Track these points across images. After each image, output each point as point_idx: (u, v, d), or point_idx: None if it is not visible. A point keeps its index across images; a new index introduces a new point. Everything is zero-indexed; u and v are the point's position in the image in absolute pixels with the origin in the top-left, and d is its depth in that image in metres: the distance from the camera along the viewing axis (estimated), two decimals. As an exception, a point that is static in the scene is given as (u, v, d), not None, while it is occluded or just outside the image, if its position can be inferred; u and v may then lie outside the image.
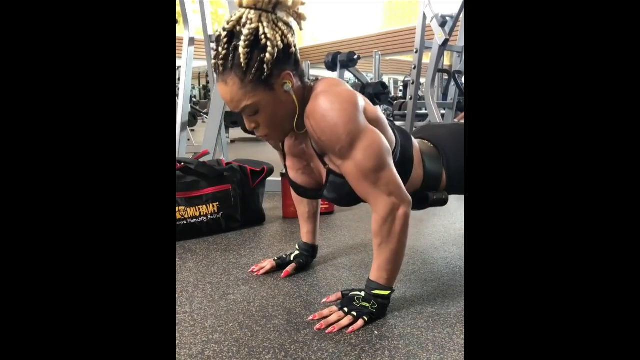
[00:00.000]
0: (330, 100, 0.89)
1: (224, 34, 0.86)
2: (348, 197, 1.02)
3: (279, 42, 0.86)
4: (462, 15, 3.26)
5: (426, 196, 1.15)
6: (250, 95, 0.88)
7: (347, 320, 0.96)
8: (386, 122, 1.03)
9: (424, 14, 2.95)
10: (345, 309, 0.98)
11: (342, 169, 0.95)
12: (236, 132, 6.34)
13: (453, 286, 1.19)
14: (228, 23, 0.86)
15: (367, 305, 0.98)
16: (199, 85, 11.23)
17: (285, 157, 1.14)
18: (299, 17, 0.90)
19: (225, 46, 0.86)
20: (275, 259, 1.30)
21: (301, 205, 1.31)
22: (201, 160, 1.69)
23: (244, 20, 0.85)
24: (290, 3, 0.88)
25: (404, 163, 1.06)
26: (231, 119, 5.21)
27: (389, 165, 0.94)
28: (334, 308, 1.00)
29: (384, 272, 0.99)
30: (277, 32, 0.86)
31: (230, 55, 0.86)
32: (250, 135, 6.13)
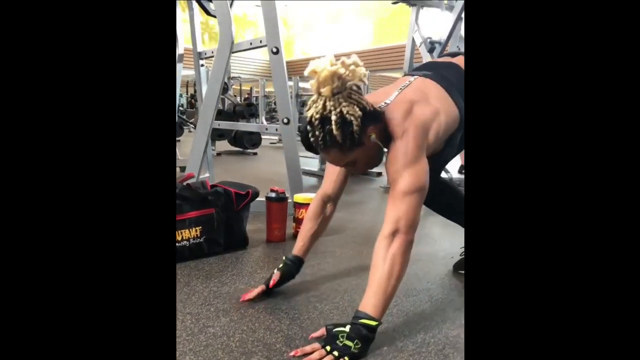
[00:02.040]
0: (403, 134, 1.10)
1: (316, 122, 1.05)
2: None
3: (359, 113, 1.05)
4: (450, 40, 3.33)
5: None
6: (348, 156, 1.10)
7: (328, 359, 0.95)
8: (445, 107, 1.19)
9: (413, 38, 2.99)
10: (328, 348, 0.98)
11: (392, 187, 1.13)
12: (222, 145, 6.32)
13: (435, 320, 1.19)
14: (317, 112, 1.04)
15: (351, 344, 0.98)
16: (187, 93, 11.24)
17: None
18: (363, 79, 1.08)
19: (320, 129, 1.05)
20: (264, 283, 1.32)
21: (311, 222, 1.38)
22: (185, 182, 1.68)
23: (328, 107, 1.03)
24: (355, 77, 1.05)
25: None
26: (217, 132, 5.19)
27: (417, 199, 1.08)
28: (317, 345, 0.99)
29: (374, 299, 1.02)
30: (354, 105, 1.05)
31: (327, 137, 1.05)
32: (236, 148, 6.11)
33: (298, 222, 1.91)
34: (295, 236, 1.91)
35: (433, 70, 1.31)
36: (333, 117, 1.03)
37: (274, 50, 2.19)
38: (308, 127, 1.07)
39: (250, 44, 2.38)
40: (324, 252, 1.77)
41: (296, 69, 14.54)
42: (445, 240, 2.02)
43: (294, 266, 1.35)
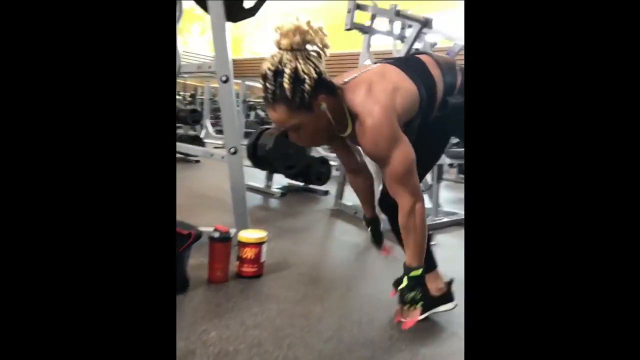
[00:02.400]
0: (371, 115, 1.17)
1: (269, 73, 1.11)
2: None
3: (314, 74, 1.11)
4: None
5: (446, 101, 1.39)
6: (295, 116, 1.14)
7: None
8: (404, 85, 1.26)
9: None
10: (405, 306, 1.34)
11: (382, 169, 1.24)
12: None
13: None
14: (272, 65, 1.10)
15: (414, 293, 1.31)
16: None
17: (343, 150, 1.50)
18: (324, 47, 1.14)
19: (273, 83, 1.11)
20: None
21: (358, 192, 1.61)
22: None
23: (284, 61, 1.09)
24: (317, 39, 1.11)
25: (429, 96, 1.33)
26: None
27: (413, 171, 1.23)
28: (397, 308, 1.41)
29: (416, 255, 1.30)
30: (310, 66, 1.11)
31: (278, 90, 1.11)
32: (186, 157, 5.88)
33: (242, 261, 1.86)
34: (239, 275, 1.86)
35: (394, 60, 1.41)
36: (287, 71, 1.08)
37: (223, 79, 2.12)
38: (261, 80, 1.13)
39: (198, 67, 2.29)
40: (268, 296, 1.73)
41: (244, 69, 14.25)
42: (388, 280, 2.05)
43: (375, 225, 1.63)
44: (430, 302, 1.57)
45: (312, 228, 2.89)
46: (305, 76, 1.09)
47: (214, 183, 4.17)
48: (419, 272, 1.31)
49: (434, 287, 1.60)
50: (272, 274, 1.95)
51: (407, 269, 1.32)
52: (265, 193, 3.85)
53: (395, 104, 1.20)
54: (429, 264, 1.58)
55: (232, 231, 1.88)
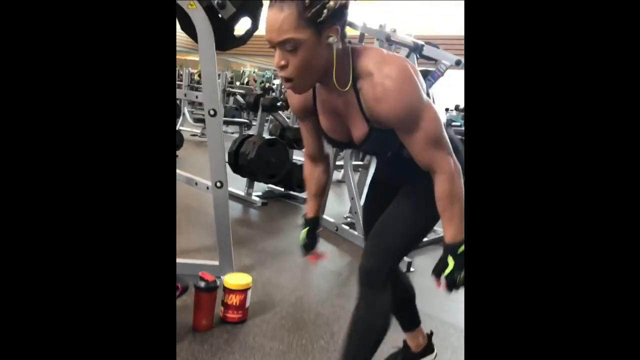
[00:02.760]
0: (396, 75, 1.01)
1: None
2: (391, 147, 1.18)
3: (339, 1, 0.95)
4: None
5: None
6: (299, 30, 0.93)
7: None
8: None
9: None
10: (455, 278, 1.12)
11: (410, 138, 1.07)
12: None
13: None
14: None
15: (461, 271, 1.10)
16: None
17: (311, 113, 1.22)
18: None
19: None
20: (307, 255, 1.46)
21: (311, 183, 1.40)
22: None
23: None
24: None
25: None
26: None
27: (444, 132, 1.10)
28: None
29: (460, 229, 1.10)
30: None
31: None
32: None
33: (227, 307, 1.85)
34: (223, 320, 1.86)
35: None
36: None
37: (212, 113, 2.06)
38: None
39: (185, 95, 2.22)
40: (253, 348, 1.73)
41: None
42: None
43: (313, 228, 1.43)
44: (411, 359, 1.60)
45: (293, 251, 2.88)
46: None
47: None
48: (463, 247, 1.10)
49: (415, 344, 1.60)
50: (256, 318, 1.95)
51: (453, 247, 1.11)
52: (246, 201, 3.82)
53: (416, 71, 1.06)
54: (412, 320, 1.59)
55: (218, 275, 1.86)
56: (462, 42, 0.82)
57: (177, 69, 7.44)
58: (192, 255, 2.39)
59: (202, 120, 7.76)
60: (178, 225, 2.66)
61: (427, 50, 2.91)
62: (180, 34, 2.11)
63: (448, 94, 6.41)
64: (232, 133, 7.22)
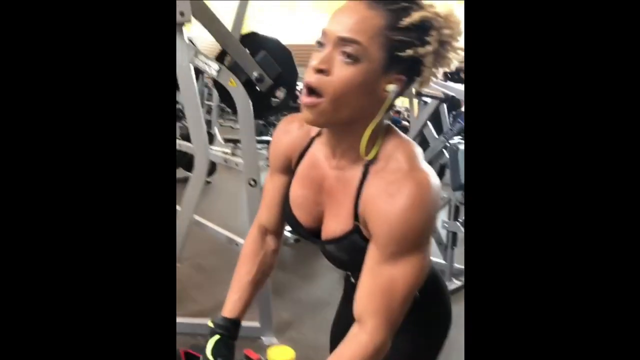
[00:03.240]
0: (420, 182, 0.73)
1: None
2: (356, 266, 0.80)
3: (431, 51, 0.71)
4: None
5: None
6: (373, 42, 0.69)
7: None
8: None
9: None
10: None
11: (376, 263, 0.76)
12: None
13: None
14: (428, 12, 0.71)
15: None
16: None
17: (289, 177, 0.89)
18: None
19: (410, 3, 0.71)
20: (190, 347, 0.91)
21: (247, 264, 0.95)
22: None
23: (440, 12, 0.71)
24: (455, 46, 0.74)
25: None
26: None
27: (410, 300, 0.78)
28: None
29: None
30: (445, 50, 0.73)
31: (401, 3, 0.70)
32: (188, 174, 5.78)
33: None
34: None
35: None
36: (432, 10, 0.71)
37: (252, 183, 2.11)
38: None
39: (225, 161, 2.29)
40: None
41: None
42: None
43: (230, 337, 0.89)
44: None
45: (330, 302, 2.89)
46: (432, 40, 0.71)
47: (230, 217, 3.78)
48: None
49: None
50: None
51: None
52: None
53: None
54: None
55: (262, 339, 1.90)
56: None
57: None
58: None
59: (232, 141, 7.92)
60: (206, 289, 2.63)
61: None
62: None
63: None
64: (261, 149, 7.32)
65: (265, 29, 2.20)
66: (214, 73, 2.02)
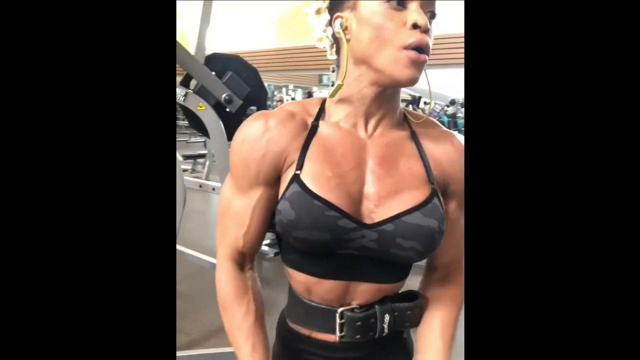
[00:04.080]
0: (455, 137, 0.78)
1: None
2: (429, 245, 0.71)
3: None
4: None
5: None
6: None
7: None
8: None
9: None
10: None
11: (456, 220, 0.76)
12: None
13: None
14: None
15: None
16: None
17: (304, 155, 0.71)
18: None
19: None
20: None
21: (241, 306, 0.75)
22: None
23: None
24: None
25: None
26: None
27: None
28: None
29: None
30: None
31: None
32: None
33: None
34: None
35: None
36: None
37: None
38: None
39: (200, 186, 2.25)
40: None
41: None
42: None
43: None
44: None
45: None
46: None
47: (203, 243, 4.01)
48: None
49: None
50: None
51: None
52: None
53: None
54: None
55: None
56: (462, 39, 0.74)
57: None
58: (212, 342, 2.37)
59: (191, 157, 7.65)
60: (193, 308, 2.55)
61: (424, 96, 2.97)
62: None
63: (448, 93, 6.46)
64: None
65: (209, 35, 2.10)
66: (180, 98, 1.98)
